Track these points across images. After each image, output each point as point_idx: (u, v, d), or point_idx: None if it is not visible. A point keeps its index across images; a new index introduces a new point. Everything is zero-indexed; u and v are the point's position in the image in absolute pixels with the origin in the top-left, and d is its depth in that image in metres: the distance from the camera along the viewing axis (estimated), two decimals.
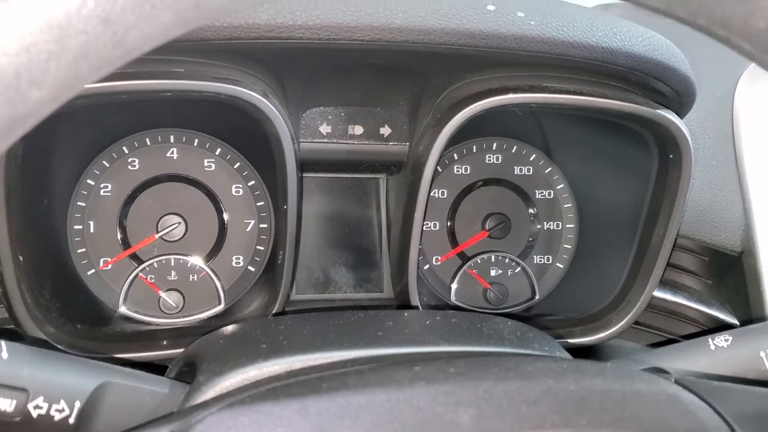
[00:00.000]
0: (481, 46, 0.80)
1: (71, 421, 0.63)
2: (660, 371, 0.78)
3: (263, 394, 0.54)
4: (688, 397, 0.54)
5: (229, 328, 0.80)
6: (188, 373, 0.73)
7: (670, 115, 0.94)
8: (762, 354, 0.74)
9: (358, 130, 1.08)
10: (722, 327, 1.14)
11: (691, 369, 0.76)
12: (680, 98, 0.96)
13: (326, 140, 1.08)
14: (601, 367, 0.58)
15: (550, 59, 0.84)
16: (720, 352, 0.76)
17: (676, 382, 0.59)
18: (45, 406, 0.62)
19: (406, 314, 0.84)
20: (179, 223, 1.10)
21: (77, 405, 0.63)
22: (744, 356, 0.75)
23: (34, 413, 0.61)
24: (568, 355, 0.78)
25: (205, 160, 1.12)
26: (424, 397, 0.50)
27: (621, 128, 1.03)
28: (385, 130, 1.08)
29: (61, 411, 0.63)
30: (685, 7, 0.45)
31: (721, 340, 0.77)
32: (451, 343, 0.72)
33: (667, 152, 0.98)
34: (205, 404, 0.60)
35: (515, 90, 0.92)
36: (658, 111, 0.92)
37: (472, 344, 0.72)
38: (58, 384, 0.63)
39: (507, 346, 0.74)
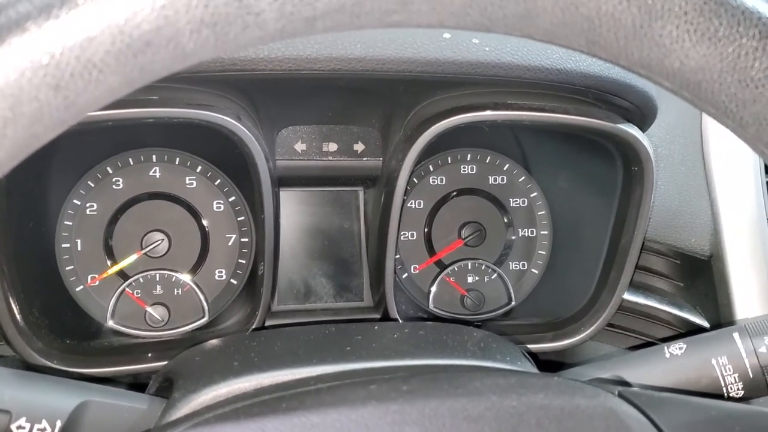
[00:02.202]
0: (439, 72, 0.84)
1: None
2: (618, 380, 0.81)
3: (227, 414, 0.58)
4: (625, 410, 0.58)
5: (206, 345, 0.84)
6: (167, 388, 0.77)
7: (631, 129, 0.97)
8: (713, 361, 0.78)
9: (333, 147, 1.12)
10: (694, 329, 1.18)
11: (648, 377, 0.80)
12: (641, 111, 0.99)
13: (302, 158, 1.12)
14: (546, 382, 0.61)
15: (509, 81, 0.87)
16: (674, 360, 0.80)
17: (619, 394, 0.62)
18: (27, 426, 0.66)
19: (376, 328, 0.87)
20: (163, 239, 1.14)
21: (59, 424, 0.67)
22: (697, 364, 0.78)
23: None
24: (530, 364, 0.81)
25: (187, 178, 1.15)
26: (374, 416, 0.54)
27: (587, 141, 1.06)
28: (359, 146, 1.12)
29: (43, 430, 0.66)
30: (605, 51, 0.48)
31: (675, 348, 0.81)
32: (414, 356, 0.76)
33: (631, 164, 1.01)
34: (178, 422, 0.63)
35: (480, 108, 0.95)
36: (618, 125, 0.96)
37: (435, 357, 0.76)
38: (40, 404, 0.67)
39: (469, 358, 0.77)
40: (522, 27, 0.47)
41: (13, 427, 0.65)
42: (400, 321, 1.12)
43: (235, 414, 0.57)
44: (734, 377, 0.76)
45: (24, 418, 0.65)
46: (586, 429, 0.54)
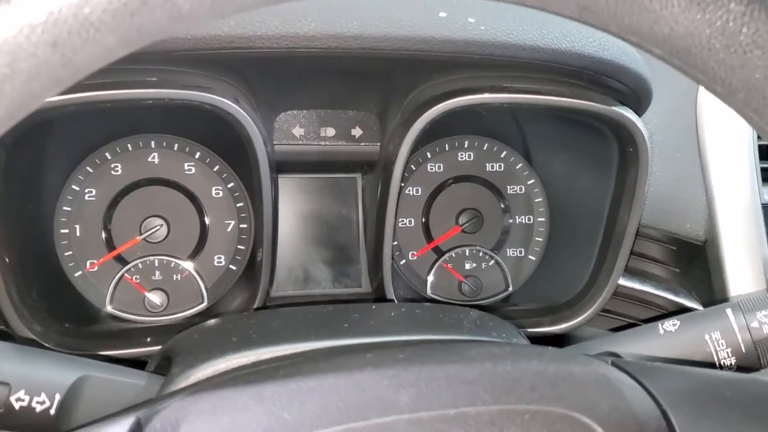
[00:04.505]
0: (434, 51, 0.84)
1: (52, 412, 0.67)
2: (612, 355, 0.82)
3: (224, 382, 0.59)
4: (617, 376, 0.58)
5: (204, 324, 0.84)
6: (165, 366, 0.78)
7: (625, 112, 0.98)
8: (706, 337, 0.78)
9: (330, 131, 1.12)
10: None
11: (642, 352, 0.80)
12: (636, 94, 1.00)
13: (300, 142, 1.12)
14: (541, 351, 0.62)
15: (503, 61, 0.88)
16: (668, 336, 0.80)
17: (613, 363, 0.63)
18: (26, 398, 0.66)
19: (373, 307, 0.88)
20: (162, 224, 1.14)
21: (57, 397, 0.68)
22: (690, 339, 0.79)
23: (16, 405, 0.66)
24: (525, 341, 0.82)
25: (186, 164, 1.16)
26: (370, 381, 0.55)
27: (584, 124, 1.07)
28: (357, 131, 1.13)
29: (42, 403, 0.67)
30: (596, 17, 0.48)
31: (669, 324, 0.81)
32: (411, 332, 0.76)
33: (626, 147, 1.02)
34: (174, 393, 0.64)
35: (477, 91, 0.96)
36: (613, 108, 0.97)
37: (430, 333, 0.76)
38: (39, 378, 0.67)
39: (465, 334, 0.78)
40: None
41: (12, 399, 0.65)
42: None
43: (233, 381, 0.58)
44: (727, 352, 0.76)
45: (23, 391, 0.66)
46: (580, 394, 0.54)
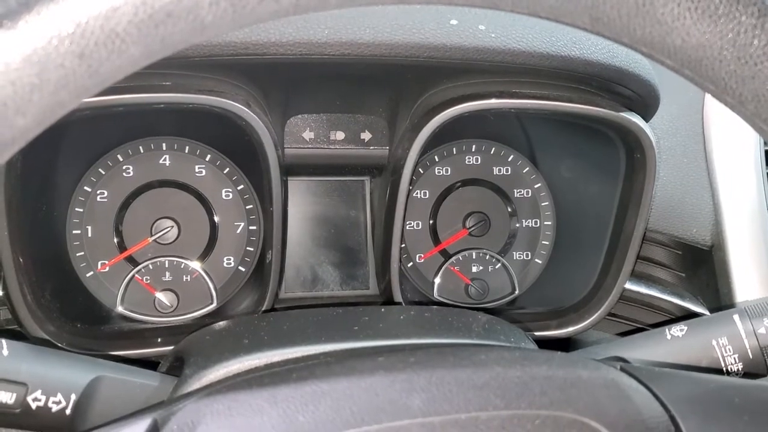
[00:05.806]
0: (445, 58, 0.85)
1: (67, 412, 0.68)
2: (620, 360, 0.82)
3: (238, 384, 0.60)
4: (626, 381, 0.59)
5: (216, 326, 0.85)
6: (178, 367, 0.79)
7: (633, 117, 0.98)
8: (714, 342, 0.79)
9: (340, 135, 1.13)
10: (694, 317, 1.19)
11: (649, 357, 0.81)
12: (644, 100, 1.01)
13: (310, 146, 1.13)
14: (550, 356, 0.62)
15: (513, 67, 0.89)
16: (675, 341, 0.81)
17: (621, 369, 0.63)
18: (43, 398, 0.67)
19: (382, 310, 0.89)
20: (172, 226, 1.16)
21: (73, 397, 0.69)
22: (697, 345, 0.80)
23: (33, 405, 0.67)
24: (533, 345, 0.83)
25: (196, 166, 1.17)
26: (382, 385, 0.55)
27: (591, 129, 1.07)
28: (366, 135, 1.14)
29: (58, 403, 0.68)
30: (609, 29, 0.49)
31: (677, 330, 0.82)
32: (420, 336, 0.77)
33: (634, 152, 1.03)
34: (189, 395, 0.65)
35: (486, 96, 0.97)
36: (621, 114, 0.97)
37: (440, 337, 0.77)
38: (55, 378, 0.69)
39: (474, 338, 0.78)
40: (528, 4, 0.48)
41: (29, 399, 0.66)
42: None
43: (247, 384, 0.59)
44: (734, 358, 0.77)
45: (40, 391, 0.67)
46: (589, 398, 0.55)
